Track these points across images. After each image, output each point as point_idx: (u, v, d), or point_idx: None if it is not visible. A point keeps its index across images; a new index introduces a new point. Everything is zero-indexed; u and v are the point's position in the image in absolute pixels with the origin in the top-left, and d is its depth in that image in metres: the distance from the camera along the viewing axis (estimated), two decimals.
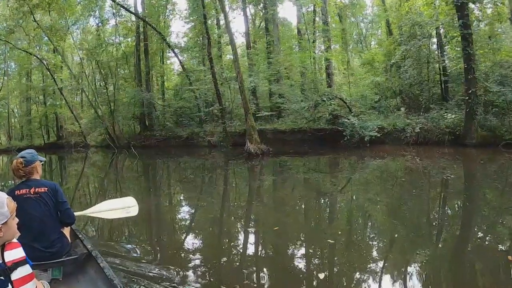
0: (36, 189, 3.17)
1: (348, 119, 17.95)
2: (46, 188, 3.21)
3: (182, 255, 4.78)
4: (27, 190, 3.15)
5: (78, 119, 31.32)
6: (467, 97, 16.29)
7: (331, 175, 12.09)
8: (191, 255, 4.73)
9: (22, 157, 3.22)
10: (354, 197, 8.65)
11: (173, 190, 11.06)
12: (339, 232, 5.70)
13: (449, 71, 20.99)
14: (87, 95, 30.68)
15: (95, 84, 31.47)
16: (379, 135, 17.73)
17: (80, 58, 28.45)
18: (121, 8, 26.56)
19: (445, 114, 17.76)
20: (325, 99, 19.43)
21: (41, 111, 35.50)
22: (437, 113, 18.55)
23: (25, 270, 1.94)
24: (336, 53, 23.29)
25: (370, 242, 5.18)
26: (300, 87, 24.86)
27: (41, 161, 3.38)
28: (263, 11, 27.34)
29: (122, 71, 29.83)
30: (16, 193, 3.11)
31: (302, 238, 5.55)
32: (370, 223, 6.41)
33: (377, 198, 8.17)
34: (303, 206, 7.99)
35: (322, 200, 8.45)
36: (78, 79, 31.34)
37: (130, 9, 26.94)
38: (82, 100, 38.91)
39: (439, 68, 21.21)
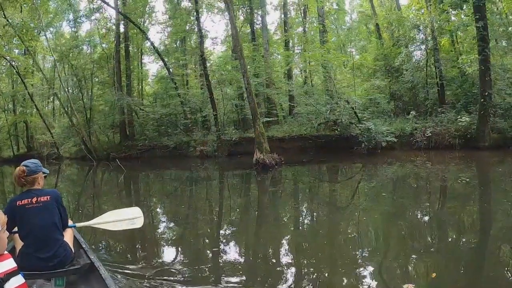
0: (39, 198, 3.15)
1: (363, 124, 16.81)
2: (49, 197, 3.20)
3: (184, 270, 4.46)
4: (29, 200, 3.13)
5: (50, 128, 28.62)
6: (482, 99, 16.01)
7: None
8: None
9: (25, 166, 3.20)
10: None
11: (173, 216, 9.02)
12: None
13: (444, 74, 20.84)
14: (60, 102, 28.05)
15: (68, 90, 28.95)
16: (395, 140, 16.70)
17: (54, 60, 25.75)
18: (101, 4, 24.35)
19: (460, 117, 17.06)
20: (340, 103, 17.89)
21: (10, 120, 32.33)
22: (446, 117, 17.98)
23: (18, 280, 1.97)
24: (336, 56, 22.01)
25: None
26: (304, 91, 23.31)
27: (44, 173, 3.36)
28: (249, 14, 25.86)
29: (100, 75, 27.34)
30: (17, 203, 3.11)
31: None
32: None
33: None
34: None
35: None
36: (50, 83, 28.71)
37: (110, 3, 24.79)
38: (54, 108, 36.40)
39: (435, 72, 20.89)
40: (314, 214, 7.89)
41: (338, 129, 18.22)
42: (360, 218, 7.00)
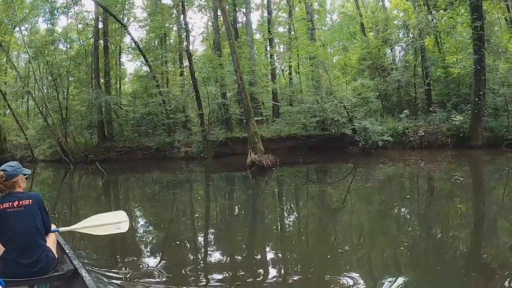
0: (21, 202, 3.05)
1: (359, 123, 16.42)
2: (30, 200, 3.10)
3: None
4: (10, 203, 3.02)
5: (24, 129, 26.98)
6: (476, 98, 16.09)
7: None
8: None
9: (3, 170, 3.09)
10: None
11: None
12: None
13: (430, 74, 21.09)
14: (35, 101, 26.50)
15: (43, 88, 27.42)
16: (391, 140, 16.44)
17: (29, 57, 24.14)
18: None
19: (453, 116, 17.02)
20: (335, 101, 17.32)
21: None
22: (437, 116, 18.05)
23: None
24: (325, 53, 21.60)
25: None
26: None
27: (25, 175, 3.25)
28: (232, 11, 25.13)
29: (77, 73, 25.94)
30: None
31: None
32: None
33: None
34: None
35: None
36: (24, 82, 27.14)
37: None
38: (29, 108, 34.67)
39: (423, 72, 21.12)
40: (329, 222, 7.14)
41: (335, 129, 17.70)
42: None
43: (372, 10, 30.33)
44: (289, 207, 8.61)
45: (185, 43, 22.52)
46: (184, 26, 20.38)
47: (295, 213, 7.91)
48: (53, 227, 3.50)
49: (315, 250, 5.26)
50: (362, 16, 27.52)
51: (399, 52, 25.64)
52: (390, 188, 9.94)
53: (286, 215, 7.76)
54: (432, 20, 20.35)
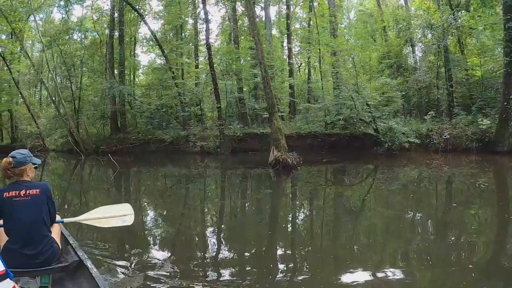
0: (28, 191, 2.96)
1: (384, 123, 15.82)
2: (38, 190, 3.00)
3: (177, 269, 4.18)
4: (17, 192, 2.94)
5: (36, 118, 26.67)
6: (505, 102, 15.43)
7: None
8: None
9: (12, 157, 3.02)
10: None
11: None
12: None
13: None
14: (47, 91, 26.18)
15: (56, 78, 27.08)
16: (418, 141, 15.87)
17: (43, 46, 23.74)
18: None
19: (480, 120, 16.34)
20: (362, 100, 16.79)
21: None
22: (463, 119, 17.41)
23: (7, 285, 1.86)
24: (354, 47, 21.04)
25: None
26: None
27: (34, 164, 3.16)
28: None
29: (91, 63, 25.58)
30: (4, 195, 2.91)
31: None
32: None
33: None
34: None
35: None
36: (37, 69, 26.79)
37: None
38: (41, 98, 34.35)
39: (445, 73, 20.27)
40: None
41: (361, 128, 17.11)
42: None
43: (393, 8, 29.68)
44: (317, 210, 8.03)
45: (204, 35, 21.99)
46: (204, 16, 19.76)
47: (322, 218, 7.33)
48: (58, 218, 3.42)
49: (330, 252, 5.05)
50: (383, 14, 26.79)
51: (420, 52, 24.98)
52: (418, 193, 9.39)
53: (312, 218, 7.22)
54: (456, 20, 19.66)
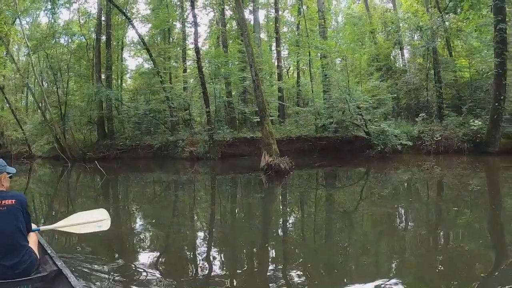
0: (3, 202, 2.96)
1: (376, 126, 15.79)
2: (14, 200, 3.00)
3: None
4: None
5: (22, 124, 26.11)
6: (496, 103, 15.52)
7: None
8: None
9: None
10: None
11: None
12: None
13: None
14: (33, 96, 25.59)
15: (43, 83, 26.55)
16: (411, 144, 15.85)
17: (29, 50, 23.17)
18: None
19: (472, 121, 16.40)
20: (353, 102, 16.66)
21: None
22: (453, 120, 17.53)
23: None
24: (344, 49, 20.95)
25: None
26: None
27: (8, 173, 3.15)
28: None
29: (77, 67, 25.12)
30: None
31: None
32: None
33: None
34: None
35: None
36: (23, 74, 26.26)
37: None
38: (28, 103, 33.72)
39: (435, 75, 20.36)
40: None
41: (353, 131, 17.07)
42: None
43: (381, 11, 29.76)
44: (309, 216, 7.73)
45: (192, 38, 21.72)
46: (192, 19, 19.40)
47: (315, 224, 7.03)
48: (33, 226, 3.39)
49: (324, 262, 4.79)
50: (371, 17, 26.82)
51: (408, 54, 25.06)
52: (417, 195, 9.22)
53: (304, 225, 6.93)
54: (445, 22, 19.80)
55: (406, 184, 10.92)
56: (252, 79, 13.58)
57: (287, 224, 6.93)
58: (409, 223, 6.64)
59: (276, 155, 12.02)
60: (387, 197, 8.94)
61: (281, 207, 8.64)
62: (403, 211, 7.47)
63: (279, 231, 6.54)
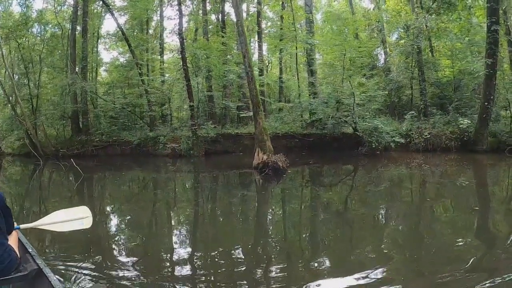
0: None
1: (371, 122, 15.50)
2: None
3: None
4: None
5: None
6: (485, 102, 15.67)
7: None
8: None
9: None
10: None
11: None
12: None
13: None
14: (3, 89, 24.07)
15: (13, 75, 25.07)
16: (403, 141, 15.72)
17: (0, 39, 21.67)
18: None
19: (461, 119, 16.47)
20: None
21: None
22: (442, 119, 17.66)
23: None
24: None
25: None
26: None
27: None
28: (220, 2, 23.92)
29: (50, 58, 23.81)
30: None
31: None
32: None
33: None
34: None
35: None
36: None
37: None
38: None
39: (419, 74, 20.54)
40: None
41: (344, 127, 16.65)
42: None
43: (365, 9, 29.63)
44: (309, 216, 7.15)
45: (170, 30, 20.88)
46: (177, 6, 18.44)
47: (316, 224, 6.46)
48: (14, 224, 3.35)
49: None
50: (355, 15, 26.59)
51: (394, 53, 24.91)
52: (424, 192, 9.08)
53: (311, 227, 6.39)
54: (427, 23, 20.15)
55: (409, 183, 10.80)
56: (246, 70, 12.84)
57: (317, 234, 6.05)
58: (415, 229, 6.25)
59: (270, 152, 11.35)
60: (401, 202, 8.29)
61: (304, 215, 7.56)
62: (409, 214, 7.15)
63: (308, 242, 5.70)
